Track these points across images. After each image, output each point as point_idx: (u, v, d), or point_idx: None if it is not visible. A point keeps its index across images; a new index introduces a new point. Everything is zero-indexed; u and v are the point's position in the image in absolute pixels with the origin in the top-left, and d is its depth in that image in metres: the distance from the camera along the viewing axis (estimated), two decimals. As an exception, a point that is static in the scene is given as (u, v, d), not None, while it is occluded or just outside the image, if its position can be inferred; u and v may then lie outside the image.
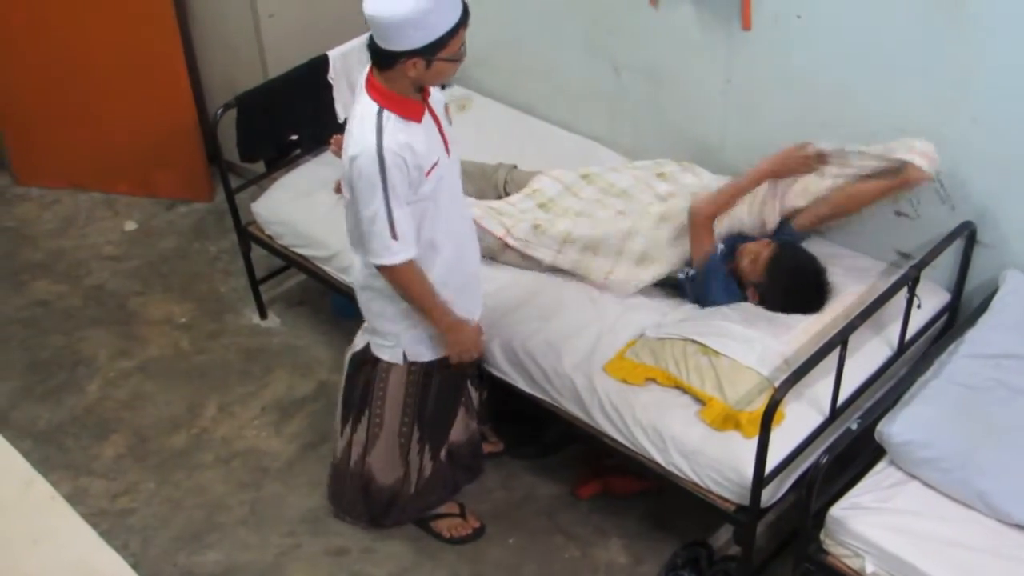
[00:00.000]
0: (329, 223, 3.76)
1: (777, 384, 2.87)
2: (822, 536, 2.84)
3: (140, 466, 3.81)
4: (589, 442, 3.31)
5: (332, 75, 4.09)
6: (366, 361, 3.15)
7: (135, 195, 5.09)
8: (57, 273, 4.70)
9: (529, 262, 3.58)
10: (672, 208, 3.51)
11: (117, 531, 3.56)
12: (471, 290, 3.11)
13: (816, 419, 3.03)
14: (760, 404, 2.93)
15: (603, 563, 3.41)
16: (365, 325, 3.17)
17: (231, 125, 4.02)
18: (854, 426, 2.81)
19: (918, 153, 3.14)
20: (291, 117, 4.11)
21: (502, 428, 3.74)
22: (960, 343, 3.10)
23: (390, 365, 3.10)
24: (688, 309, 3.42)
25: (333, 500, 3.52)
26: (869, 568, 2.73)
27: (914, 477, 2.85)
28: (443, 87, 4.01)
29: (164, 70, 4.65)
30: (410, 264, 2.78)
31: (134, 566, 2.11)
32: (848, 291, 3.37)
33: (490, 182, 3.82)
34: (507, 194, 3.78)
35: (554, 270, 3.58)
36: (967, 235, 3.30)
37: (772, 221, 3.46)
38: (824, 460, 2.73)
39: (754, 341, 3.17)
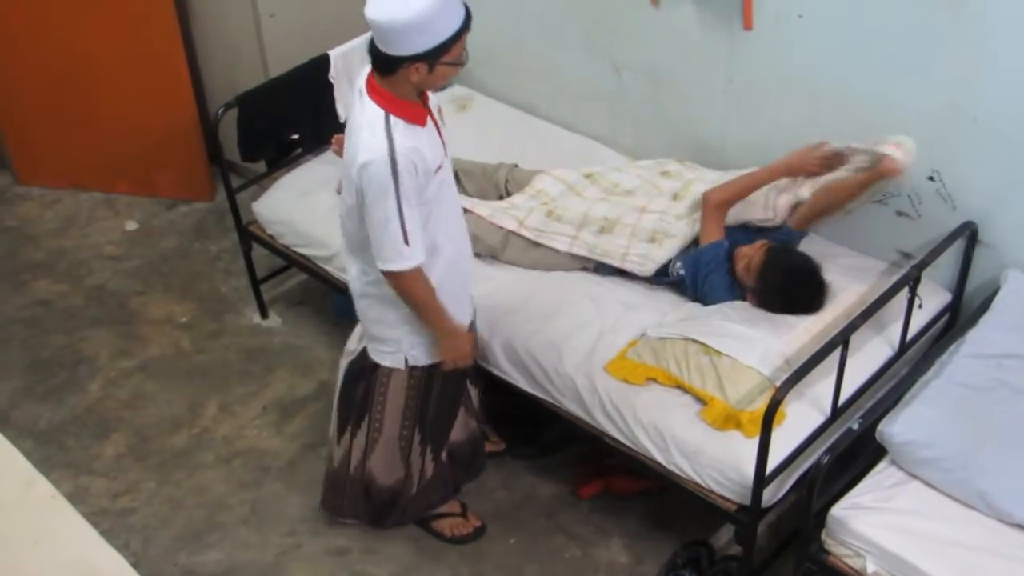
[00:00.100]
0: (330, 223, 3.75)
1: (778, 384, 2.87)
2: (823, 536, 2.84)
3: (141, 465, 3.81)
4: (590, 442, 3.31)
5: (333, 74, 4.09)
6: (364, 368, 3.14)
7: (136, 195, 5.09)
8: (58, 273, 4.70)
9: (532, 258, 3.58)
10: (686, 188, 3.53)
11: (118, 530, 3.56)
12: (465, 291, 3.12)
13: (817, 419, 3.03)
14: (761, 404, 2.93)
15: (604, 563, 3.41)
16: (358, 332, 3.16)
17: (232, 125, 4.02)
18: (855, 426, 2.81)
19: (893, 145, 3.14)
20: (292, 117, 4.11)
21: (502, 428, 3.74)
22: (961, 343, 3.10)
23: (391, 370, 3.09)
24: (689, 308, 3.42)
25: (328, 506, 3.49)
26: (870, 568, 2.73)
27: (915, 477, 2.85)
28: (442, 88, 4.01)
29: (165, 70, 4.65)
30: (418, 270, 2.78)
31: (135, 565, 2.11)
32: (849, 291, 3.37)
33: (491, 181, 3.82)
34: (508, 193, 3.78)
35: (555, 268, 3.58)
36: (968, 235, 3.29)
37: (782, 214, 3.46)
38: (825, 460, 2.73)
39: (755, 341, 3.17)
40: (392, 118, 2.64)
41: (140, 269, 4.70)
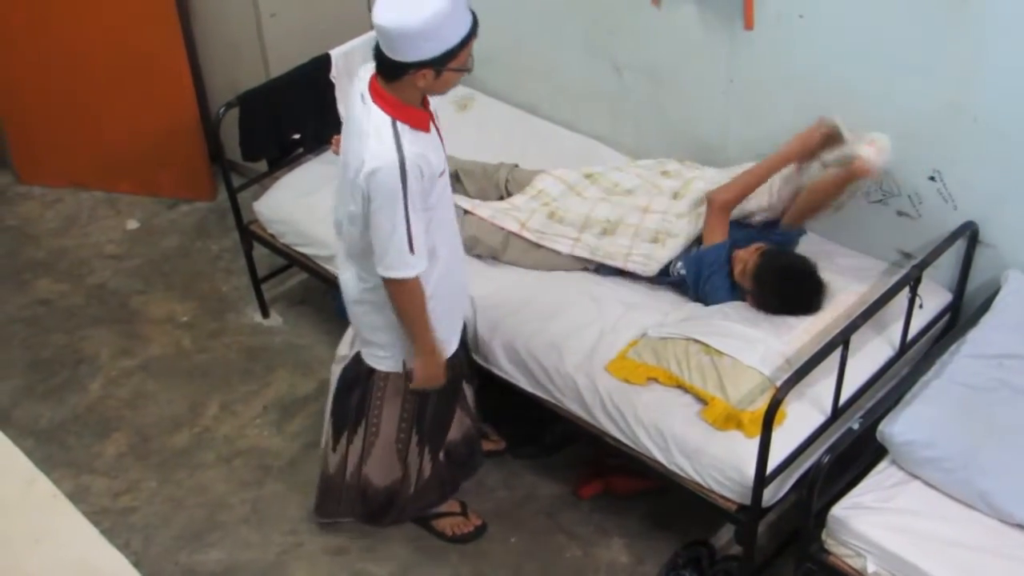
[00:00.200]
0: (331, 223, 3.76)
1: (779, 384, 2.87)
2: (824, 536, 2.84)
3: (142, 465, 3.81)
4: (591, 442, 3.32)
5: (334, 74, 4.09)
6: (360, 374, 3.13)
7: (137, 194, 5.09)
8: (59, 272, 4.70)
9: (534, 258, 3.58)
10: (686, 186, 3.53)
11: (119, 530, 3.56)
12: (462, 296, 3.12)
13: (818, 419, 3.03)
14: (762, 404, 2.93)
15: (605, 563, 3.41)
16: (349, 336, 3.16)
17: (233, 124, 4.02)
18: (856, 426, 2.81)
19: (868, 143, 3.14)
20: (293, 116, 4.11)
21: (503, 428, 3.74)
22: (962, 343, 3.10)
23: (387, 374, 3.08)
24: (690, 309, 3.42)
25: (322, 512, 3.48)
26: (870, 568, 2.74)
27: (916, 477, 2.85)
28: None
29: (166, 69, 4.65)
30: (418, 279, 2.76)
31: (135, 565, 2.11)
32: (850, 291, 3.37)
33: (491, 181, 3.82)
34: (508, 193, 3.78)
35: (556, 269, 3.58)
36: (969, 235, 3.29)
37: (784, 204, 3.47)
38: (826, 460, 2.73)
39: (756, 341, 3.17)
40: (399, 124, 2.63)
41: (141, 268, 4.70)
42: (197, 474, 3.77)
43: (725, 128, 3.78)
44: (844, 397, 3.03)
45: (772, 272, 3.28)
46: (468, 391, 3.36)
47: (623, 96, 4.05)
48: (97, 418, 4.00)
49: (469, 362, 3.39)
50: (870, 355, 3.19)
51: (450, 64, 2.60)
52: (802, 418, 3.02)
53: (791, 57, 3.46)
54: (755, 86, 3.62)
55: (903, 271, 3.23)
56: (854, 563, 2.78)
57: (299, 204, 3.97)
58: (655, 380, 3.16)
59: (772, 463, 2.85)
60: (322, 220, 3.83)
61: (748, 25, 3.50)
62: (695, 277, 3.41)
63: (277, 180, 4.16)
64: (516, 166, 3.87)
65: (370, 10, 4.70)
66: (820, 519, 2.83)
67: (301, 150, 4.23)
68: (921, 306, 3.19)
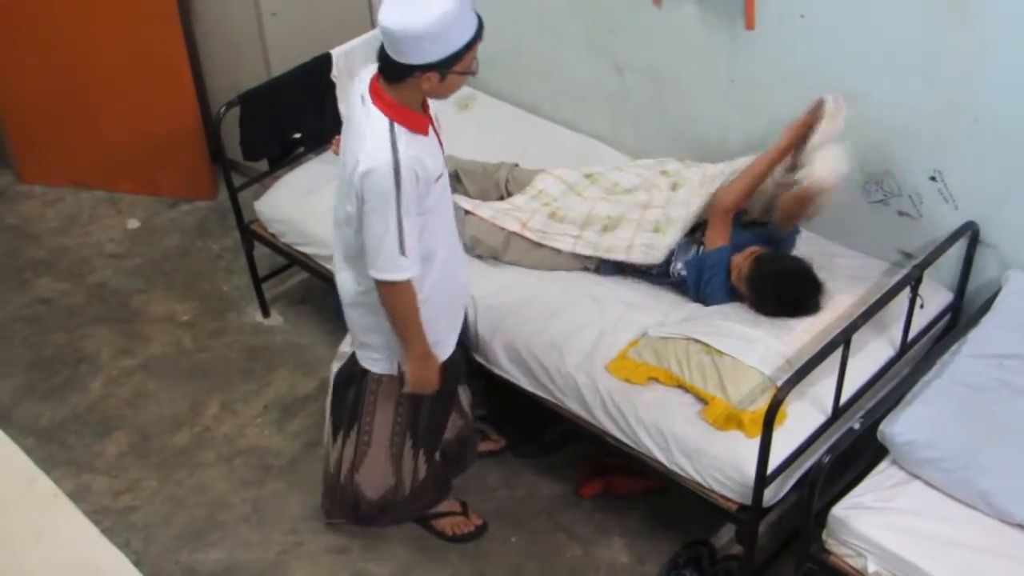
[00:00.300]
0: (331, 222, 3.76)
1: (779, 383, 2.87)
2: (824, 536, 2.84)
3: (142, 464, 3.81)
4: (592, 441, 3.32)
5: (335, 73, 4.09)
6: (355, 372, 3.13)
7: (138, 193, 5.09)
8: (60, 271, 4.70)
9: (535, 258, 3.58)
10: (683, 177, 3.54)
11: (119, 529, 3.56)
12: (460, 297, 3.11)
13: (818, 419, 3.03)
14: (762, 403, 2.93)
15: (605, 562, 3.41)
16: (348, 342, 3.15)
17: (234, 123, 4.02)
18: (856, 426, 2.81)
19: (821, 161, 3.15)
20: (294, 116, 4.11)
21: (504, 427, 3.74)
22: (963, 343, 3.10)
23: (381, 376, 3.07)
24: (691, 309, 3.42)
25: (324, 509, 3.49)
26: (871, 568, 2.73)
27: (916, 477, 2.85)
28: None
29: (167, 68, 4.65)
30: (410, 283, 2.75)
31: (136, 564, 2.11)
32: (850, 291, 3.37)
33: (491, 181, 3.82)
34: (509, 193, 3.78)
35: (557, 268, 3.58)
36: (970, 235, 3.29)
37: (762, 214, 3.49)
38: (826, 460, 2.73)
39: (756, 341, 3.17)
40: (396, 126, 2.62)
41: (142, 267, 4.70)
42: (197, 473, 3.77)
43: (726, 128, 3.77)
44: (845, 397, 3.03)
45: (766, 277, 3.28)
46: (464, 393, 3.35)
47: (624, 96, 4.05)
48: (98, 417, 4.00)
49: (470, 361, 3.39)
50: (871, 355, 3.19)
51: (455, 67, 2.59)
52: (803, 418, 3.02)
53: (792, 57, 3.46)
54: (756, 86, 3.62)
55: (904, 271, 3.23)
56: (855, 563, 2.78)
57: (300, 204, 3.97)
58: (656, 380, 3.16)
59: (773, 463, 2.85)
60: (323, 220, 3.82)
61: (749, 25, 3.50)
62: (696, 279, 3.41)
63: (278, 179, 4.16)
64: (516, 165, 3.87)
65: (371, 10, 4.75)
66: (821, 519, 2.83)
67: (302, 149, 4.23)
68: (922, 306, 3.19)
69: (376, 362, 3.05)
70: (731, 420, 3.01)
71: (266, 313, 4.40)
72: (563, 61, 4.18)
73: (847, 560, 2.80)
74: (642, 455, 3.16)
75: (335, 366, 3.24)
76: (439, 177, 2.74)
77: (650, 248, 3.46)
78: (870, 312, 3.00)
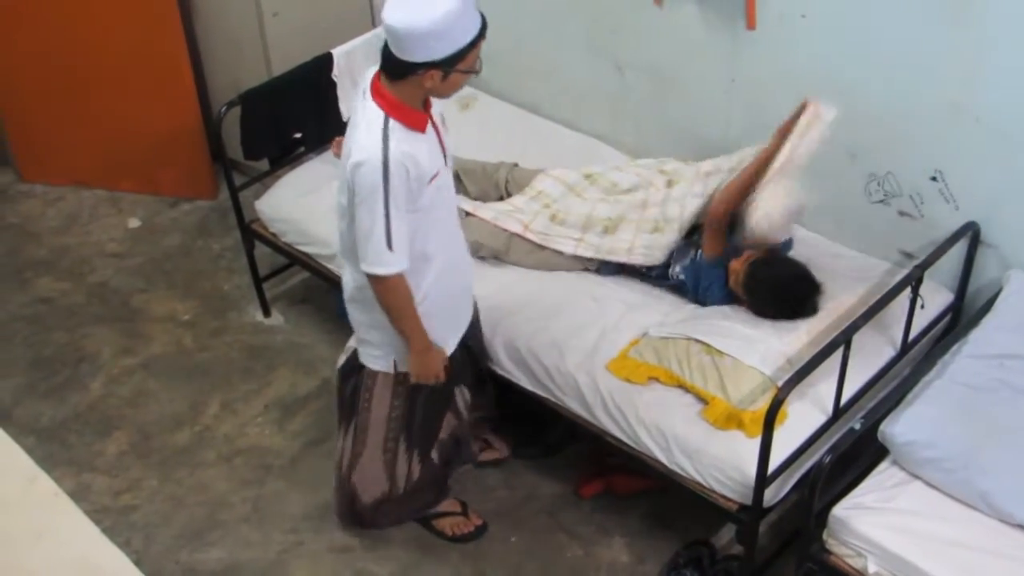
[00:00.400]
0: (333, 221, 3.74)
1: (780, 384, 2.87)
2: (825, 536, 2.84)
3: (143, 463, 3.81)
4: (592, 441, 3.32)
5: (336, 73, 4.09)
6: (354, 369, 3.14)
7: (139, 192, 5.09)
8: (61, 270, 4.70)
9: (536, 259, 3.58)
10: (679, 173, 3.54)
11: (119, 528, 3.56)
12: (463, 299, 3.11)
13: (819, 419, 3.03)
14: (763, 403, 2.93)
15: (605, 562, 3.41)
16: (352, 339, 3.16)
17: (235, 123, 4.02)
18: (857, 426, 2.81)
19: (765, 202, 3.15)
20: (295, 115, 4.11)
21: (506, 428, 3.73)
22: (963, 343, 3.10)
23: (377, 373, 3.07)
24: (691, 309, 3.42)
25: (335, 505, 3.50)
26: (871, 568, 2.73)
27: (917, 477, 2.85)
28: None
29: (168, 68, 4.65)
30: (400, 277, 2.75)
31: (136, 563, 2.11)
32: (851, 291, 3.37)
33: (491, 181, 3.82)
34: (508, 193, 3.78)
35: (558, 269, 3.58)
36: (971, 235, 3.29)
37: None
38: (827, 460, 2.73)
39: (757, 341, 3.17)
40: (391, 121, 2.63)
41: (142, 267, 4.70)
42: (198, 473, 3.77)
43: (727, 128, 3.77)
44: (845, 397, 3.03)
45: (762, 282, 3.27)
46: (460, 394, 3.34)
47: (625, 95, 4.05)
48: (98, 416, 4.00)
49: (482, 368, 3.38)
50: (871, 355, 3.19)
51: (458, 66, 2.60)
52: (803, 418, 3.01)
53: (793, 57, 3.46)
54: (757, 86, 3.62)
55: (905, 271, 3.23)
56: (855, 563, 2.78)
57: (300, 203, 3.97)
58: (656, 379, 3.16)
59: (773, 463, 2.85)
60: (323, 219, 3.84)
61: (750, 25, 3.50)
62: (694, 285, 3.42)
63: (279, 179, 4.16)
64: (516, 165, 3.87)
65: (372, 9, 4.75)
66: (821, 519, 2.83)
67: (303, 149, 4.23)
68: (923, 306, 3.19)
69: (375, 359, 3.05)
70: (731, 420, 3.01)
71: (267, 312, 4.40)
72: (564, 61, 4.18)
73: (847, 560, 2.80)
74: (642, 455, 3.15)
75: (341, 359, 3.24)
76: (435, 176, 2.73)
77: (649, 249, 3.47)
78: (871, 312, 3.00)
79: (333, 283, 3.93)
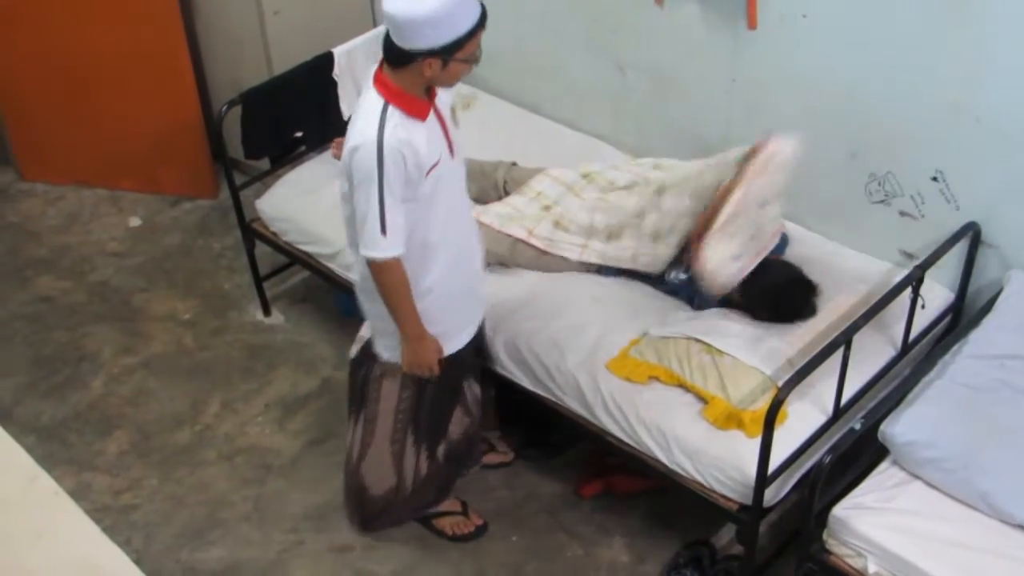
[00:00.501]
0: (333, 220, 3.74)
1: (780, 383, 2.87)
2: (825, 536, 2.84)
3: (143, 462, 3.81)
4: (592, 440, 3.32)
5: (337, 72, 4.09)
6: (365, 359, 3.15)
7: (139, 191, 5.09)
8: (61, 269, 4.71)
9: (543, 261, 3.57)
10: (673, 170, 3.54)
11: (120, 527, 3.56)
12: (473, 294, 3.11)
13: (819, 419, 3.03)
14: (763, 403, 2.93)
15: (606, 562, 3.41)
16: (366, 326, 3.16)
17: (236, 122, 4.02)
18: (857, 426, 2.81)
19: (710, 261, 3.14)
20: (296, 114, 4.11)
21: (509, 429, 3.73)
22: (964, 343, 3.10)
23: (386, 364, 3.08)
24: (691, 309, 3.42)
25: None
26: (871, 568, 2.73)
27: (917, 477, 2.85)
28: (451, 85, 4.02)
29: (169, 67, 4.65)
30: (396, 262, 2.77)
31: (137, 562, 2.11)
32: (851, 291, 3.37)
33: (489, 181, 3.81)
34: (506, 193, 3.78)
35: (562, 271, 3.57)
36: (972, 235, 3.29)
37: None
38: (827, 460, 2.73)
39: (757, 340, 3.17)
40: (390, 108, 2.65)
41: (143, 266, 4.70)
42: (198, 472, 3.77)
43: (728, 127, 3.77)
44: (846, 397, 3.03)
45: (757, 290, 3.26)
46: (470, 391, 3.35)
47: (625, 95, 4.04)
48: (99, 415, 4.00)
49: (483, 367, 3.38)
50: (872, 355, 3.19)
51: (457, 54, 2.61)
52: (803, 418, 3.01)
53: (794, 57, 3.46)
54: (758, 86, 3.62)
55: (905, 271, 3.23)
56: (855, 563, 2.78)
57: (301, 202, 3.97)
58: (656, 379, 3.16)
59: (773, 463, 2.85)
60: (324, 218, 3.85)
61: (751, 25, 3.50)
62: (688, 297, 3.42)
63: (279, 178, 4.16)
64: (514, 164, 3.86)
65: (373, 8, 4.74)
66: (821, 519, 2.83)
67: (303, 148, 4.23)
68: (923, 306, 3.19)
69: (384, 348, 3.07)
70: (731, 420, 3.01)
71: (267, 312, 4.40)
72: (564, 60, 4.18)
73: (847, 560, 2.80)
74: (643, 454, 3.15)
75: (353, 350, 3.24)
76: (434, 165, 2.74)
77: (654, 257, 3.46)
78: (871, 312, 3.00)
79: (334, 282, 3.93)
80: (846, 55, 3.33)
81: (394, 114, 2.65)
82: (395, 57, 2.65)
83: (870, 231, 3.54)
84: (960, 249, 3.32)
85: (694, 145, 3.85)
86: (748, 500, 2.93)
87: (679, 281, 3.43)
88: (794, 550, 3.00)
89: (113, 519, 3.59)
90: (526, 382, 3.39)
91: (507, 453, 3.71)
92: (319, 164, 4.15)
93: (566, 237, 3.56)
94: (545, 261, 3.58)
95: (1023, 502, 2.71)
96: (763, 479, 2.85)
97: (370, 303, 3.00)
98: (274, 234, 4.07)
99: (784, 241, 3.51)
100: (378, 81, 2.70)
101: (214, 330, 4.36)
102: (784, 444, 2.92)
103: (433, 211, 2.80)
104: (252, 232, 4.15)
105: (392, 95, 2.67)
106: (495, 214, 3.64)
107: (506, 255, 3.57)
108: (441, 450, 3.32)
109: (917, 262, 3.21)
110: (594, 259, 3.53)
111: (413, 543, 3.48)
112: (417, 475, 3.29)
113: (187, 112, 4.77)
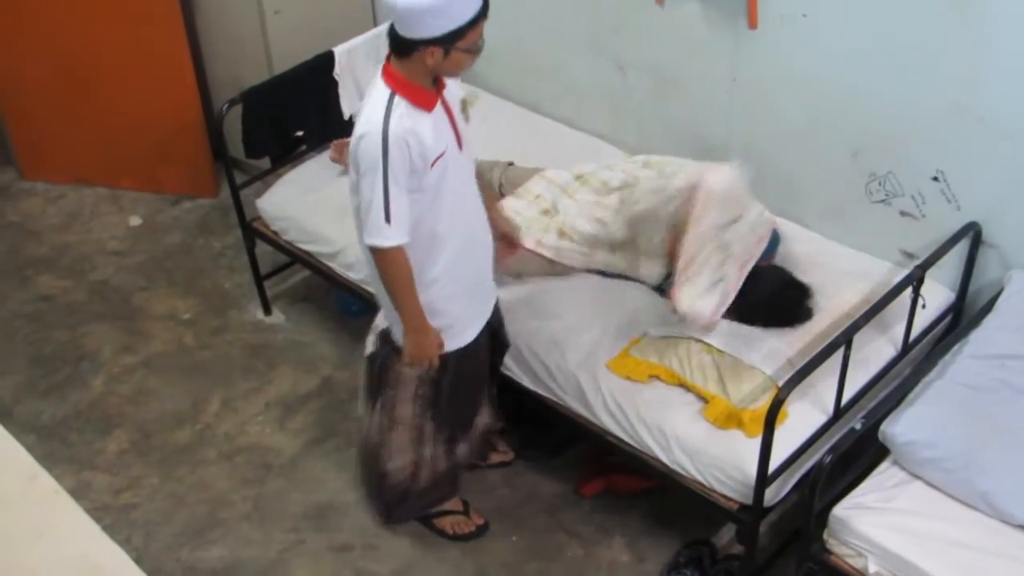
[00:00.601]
0: (334, 219, 3.77)
1: (781, 383, 2.87)
2: (825, 536, 2.84)
3: (143, 461, 3.81)
4: (593, 440, 3.31)
5: (338, 71, 4.09)
6: (383, 344, 3.14)
7: (140, 190, 5.09)
8: (62, 268, 4.71)
9: (549, 270, 3.55)
10: (660, 166, 3.54)
11: (120, 526, 3.56)
12: (481, 289, 3.10)
13: (820, 419, 3.03)
14: (763, 403, 2.93)
15: (606, 561, 3.41)
16: (381, 315, 3.15)
17: (236, 121, 4.02)
18: (858, 426, 2.81)
19: (687, 308, 3.13)
20: (296, 113, 4.11)
21: (509, 428, 3.72)
22: (964, 343, 3.10)
23: (401, 352, 3.06)
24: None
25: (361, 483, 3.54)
26: (872, 568, 2.73)
27: (917, 477, 2.84)
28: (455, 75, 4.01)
29: (170, 66, 4.65)
30: (399, 251, 2.77)
31: (137, 561, 2.11)
32: (852, 291, 3.37)
33: (485, 181, 3.79)
34: (502, 195, 3.76)
35: (566, 274, 3.57)
36: (972, 235, 3.29)
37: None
38: (827, 460, 2.73)
39: (757, 340, 3.17)
40: (396, 97, 2.67)
41: (144, 265, 4.70)
42: (198, 471, 3.77)
43: (728, 127, 3.77)
44: (846, 397, 3.03)
45: (754, 298, 3.26)
46: (489, 390, 3.34)
47: (626, 95, 4.04)
48: (99, 414, 4.00)
49: (492, 364, 3.38)
50: (872, 355, 3.19)
51: (459, 43, 2.63)
52: (804, 418, 3.01)
53: (795, 56, 3.46)
54: (758, 85, 3.62)
55: (906, 271, 3.23)
56: (855, 563, 2.78)
57: (302, 201, 3.98)
58: (657, 378, 3.16)
59: (774, 463, 2.85)
60: (325, 217, 3.85)
61: (752, 24, 3.50)
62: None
63: (280, 177, 4.17)
64: (510, 164, 3.86)
65: (374, 8, 4.74)
66: (822, 519, 2.83)
67: (304, 147, 4.23)
68: (924, 306, 3.19)
69: (399, 334, 3.06)
70: (731, 419, 3.01)
71: (268, 311, 4.40)
72: (565, 59, 4.18)
73: (848, 560, 2.80)
74: (643, 454, 3.15)
75: (369, 341, 3.24)
76: (440, 156, 2.75)
77: (647, 269, 3.46)
78: (872, 312, 3.00)
79: (334, 281, 3.93)
80: (847, 54, 3.33)
81: (400, 104, 2.67)
82: (398, 46, 2.67)
83: (871, 231, 3.54)
84: (961, 249, 3.32)
85: (695, 145, 3.85)
86: (748, 500, 2.93)
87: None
88: (794, 550, 3.00)
89: (113, 518, 3.59)
90: (526, 381, 3.39)
91: (507, 452, 3.71)
92: (320, 163, 4.15)
93: (573, 246, 3.55)
94: (552, 269, 3.57)
95: (1023, 502, 2.71)
96: (763, 479, 2.85)
97: (381, 292, 3.00)
98: (275, 233, 4.07)
99: (776, 239, 3.49)
100: (386, 72, 2.72)
101: (214, 329, 4.36)
102: (784, 444, 2.91)
103: (440, 202, 2.81)
104: (253, 231, 4.15)
105: (398, 85, 2.68)
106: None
107: (518, 267, 3.54)
108: (462, 448, 3.31)
109: (918, 262, 3.21)
110: (599, 267, 3.53)
111: (413, 542, 3.48)
112: (435, 469, 3.29)
113: (188, 111, 4.77)
